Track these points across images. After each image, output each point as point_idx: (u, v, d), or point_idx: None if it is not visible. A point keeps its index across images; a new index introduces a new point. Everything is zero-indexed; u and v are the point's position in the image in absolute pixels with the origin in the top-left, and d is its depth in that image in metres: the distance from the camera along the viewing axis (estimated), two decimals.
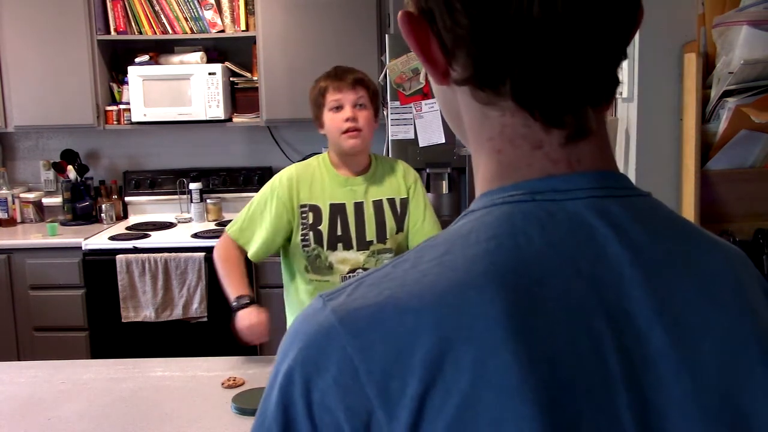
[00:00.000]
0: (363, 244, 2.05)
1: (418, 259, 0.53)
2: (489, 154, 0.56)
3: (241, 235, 2.08)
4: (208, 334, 3.46)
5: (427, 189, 3.01)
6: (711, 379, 0.51)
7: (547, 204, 0.52)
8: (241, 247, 2.09)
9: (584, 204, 0.53)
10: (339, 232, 2.04)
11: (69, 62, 3.72)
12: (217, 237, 3.54)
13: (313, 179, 2.05)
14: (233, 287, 2.02)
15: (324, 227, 2.03)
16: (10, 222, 3.97)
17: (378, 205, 2.07)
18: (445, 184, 3.00)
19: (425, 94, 2.91)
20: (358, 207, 2.05)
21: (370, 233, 2.05)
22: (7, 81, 3.76)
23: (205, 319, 3.46)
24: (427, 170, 2.98)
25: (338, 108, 1.98)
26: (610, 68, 0.53)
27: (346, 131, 1.97)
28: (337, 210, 2.04)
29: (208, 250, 3.45)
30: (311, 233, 2.03)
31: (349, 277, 2.04)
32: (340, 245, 2.04)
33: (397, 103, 2.92)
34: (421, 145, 2.94)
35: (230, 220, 3.88)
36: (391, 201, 2.09)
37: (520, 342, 0.47)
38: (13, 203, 4.01)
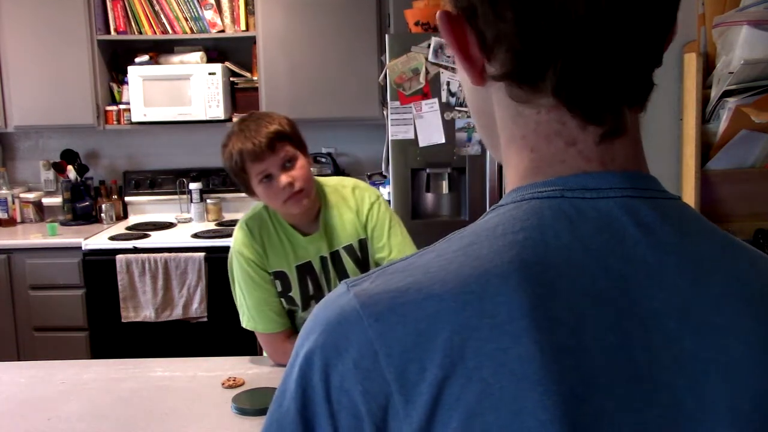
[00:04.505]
0: None
1: (443, 250, 0.53)
2: (521, 151, 0.56)
3: (267, 323, 1.91)
4: (208, 334, 3.46)
5: (427, 189, 3.01)
6: (741, 381, 0.50)
7: (578, 201, 0.52)
8: (283, 331, 1.93)
9: (615, 203, 0.52)
10: (311, 291, 1.92)
11: (69, 62, 3.72)
12: (217, 237, 3.58)
13: (276, 245, 1.89)
14: None
15: (295, 293, 1.91)
16: (10, 222, 3.97)
17: (336, 256, 1.91)
18: (445, 184, 3.00)
19: (425, 94, 2.91)
20: (323, 261, 1.91)
21: (335, 287, 1.91)
22: (7, 81, 3.76)
23: (205, 319, 3.46)
24: (427, 170, 2.98)
25: (268, 177, 1.76)
26: (647, 70, 0.54)
27: (288, 198, 1.78)
28: (305, 270, 1.90)
29: (208, 250, 3.46)
30: (283, 300, 1.92)
31: None
32: (313, 302, 1.93)
33: (397, 103, 2.92)
34: (421, 145, 2.94)
35: (230, 220, 3.92)
36: (349, 248, 1.91)
37: (543, 332, 0.47)
38: (13, 203, 4.01)
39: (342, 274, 1.92)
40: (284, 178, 1.75)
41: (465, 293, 0.48)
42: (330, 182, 1.98)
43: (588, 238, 0.51)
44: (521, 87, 0.53)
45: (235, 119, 3.79)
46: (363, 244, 1.93)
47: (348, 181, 1.99)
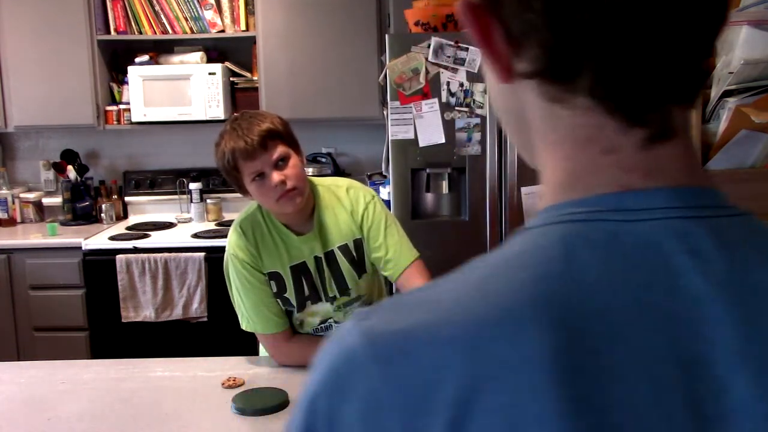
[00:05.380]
0: (329, 298, 1.92)
1: (460, 281, 0.47)
2: (555, 159, 0.50)
3: (266, 324, 1.90)
4: (208, 334, 3.46)
5: (427, 189, 3.01)
6: None
7: (613, 225, 0.45)
8: (283, 331, 1.92)
9: (658, 226, 0.45)
10: (306, 292, 1.90)
11: (69, 62, 3.72)
12: (217, 237, 3.57)
13: (270, 246, 1.88)
14: None
15: (290, 294, 1.90)
16: (10, 222, 3.97)
17: (330, 256, 1.90)
18: (445, 184, 3.00)
19: (425, 94, 2.91)
20: (318, 261, 1.89)
21: (331, 289, 1.91)
22: (7, 81, 3.76)
23: (205, 319, 3.46)
24: (427, 170, 2.98)
25: (261, 175, 1.75)
26: (698, 61, 0.47)
27: (280, 197, 1.77)
28: (299, 271, 1.89)
29: (208, 250, 3.46)
30: (279, 301, 1.91)
31: (321, 328, 1.97)
32: (308, 302, 1.92)
33: (397, 103, 2.92)
34: (421, 145, 2.94)
35: (230, 220, 3.90)
36: (343, 248, 1.90)
37: (565, 387, 0.41)
38: (13, 203, 4.01)
39: (337, 274, 1.91)
40: (276, 177, 1.74)
41: (476, 338, 0.42)
42: (324, 182, 1.97)
43: (624, 271, 0.44)
44: (554, 84, 0.47)
45: None
46: (358, 243, 1.92)
47: (342, 181, 1.98)
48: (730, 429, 0.42)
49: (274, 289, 1.90)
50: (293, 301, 1.91)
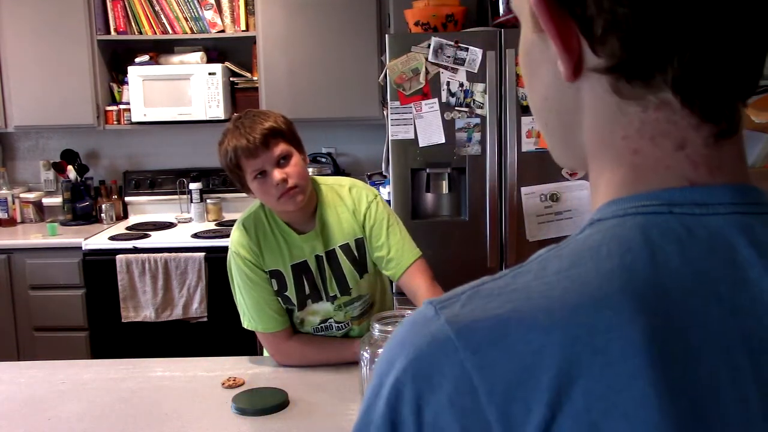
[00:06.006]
0: (329, 297, 1.92)
1: (541, 270, 0.48)
2: (620, 155, 0.50)
3: (267, 322, 1.90)
4: (208, 334, 3.46)
5: (427, 189, 3.01)
6: None
7: (687, 218, 0.47)
8: (282, 330, 1.92)
9: (726, 220, 0.47)
10: (307, 291, 1.90)
11: (69, 62, 3.72)
12: (217, 237, 3.58)
13: (272, 244, 1.88)
14: (334, 351, 1.91)
15: (291, 292, 1.90)
16: (10, 222, 3.97)
17: (332, 255, 1.90)
18: (445, 184, 3.00)
19: (425, 94, 2.91)
20: (319, 260, 1.89)
21: (332, 288, 1.91)
22: (7, 81, 3.76)
23: (205, 319, 3.46)
24: (427, 170, 2.98)
25: (262, 173, 1.76)
26: (763, 58, 0.48)
27: (282, 195, 1.77)
28: (300, 270, 1.89)
29: (208, 250, 3.46)
30: (280, 299, 1.91)
31: (321, 327, 1.97)
32: (309, 301, 1.92)
33: (397, 103, 2.92)
34: (421, 145, 2.94)
35: (230, 220, 3.92)
36: (345, 247, 1.90)
37: (660, 370, 0.42)
38: (13, 203, 4.01)
39: (338, 274, 1.91)
40: (278, 174, 1.75)
41: (574, 325, 0.44)
42: (327, 181, 1.97)
43: (699, 262, 0.46)
44: (631, 81, 0.48)
45: None
46: (360, 243, 1.92)
47: (345, 181, 1.99)
48: None
49: (275, 288, 1.90)
50: (294, 300, 1.91)
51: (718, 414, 0.43)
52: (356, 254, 1.92)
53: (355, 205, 1.91)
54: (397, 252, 1.89)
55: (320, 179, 1.97)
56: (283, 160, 1.77)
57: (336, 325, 1.98)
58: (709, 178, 0.49)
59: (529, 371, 0.43)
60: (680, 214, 0.48)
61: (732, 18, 0.46)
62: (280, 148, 1.76)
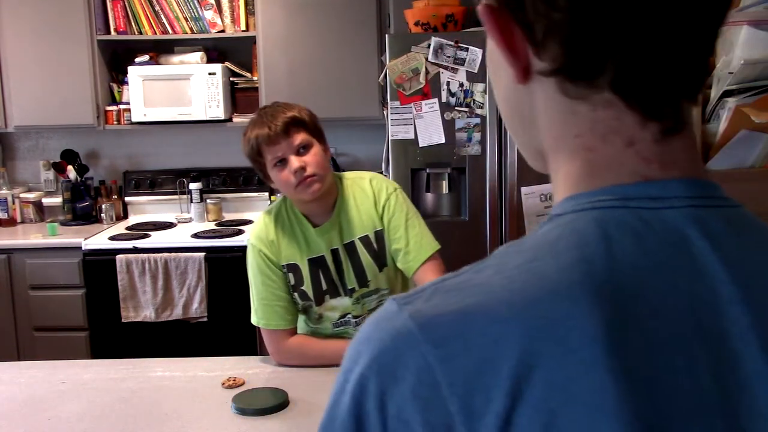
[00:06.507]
0: (347, 291, 1.92)
1: (501, 265, 0.49)
2: (575, 153, 0.52)
3: (270, 318, 1.91)
4: (208, 334, 3.46)
5: (427, 189, 3.01)
6: None
7: (642, 212, 0.49)
8: (285, 329, 1.93)
9: (680, 214, 0.49)
10: (324, 287, 1.91)
11: (69, 62, 3.72)
12: (217, 237, 3.58)
13: (290, 237, 1.90)
14: (334, 351, 1.88)
15: (307, 287, 1.91)
16: (10, 222, 3.97)
17: (351, 247, 1.90)
18: (445, 184, 3.00)
19: (425, 94, 2.91)
20: (335, 254, 1.90)
21: (350, 280, 1.91)
22: (7, 81, 3.76)
23: (205, 319, 3.46)
24: (427, 170, 2.98)
25: (282, 161, 1.80)
26: (705, 57, 0.50)
27: (299, 183, 1.80)
28: (317, 264, 1.90)
29: (208, 250, 3.46)
30: (296, 294, 1.92)
31: (341, 323, 1.97)
32: (327, 296, 1.93)
33: (397, 103, 2.92)
34: (421, 145, 2.94)
35: (230, 220, 3.92)
36: (365, 239, 1.91)
37: (617, 359, 0.44)
38: (13, 203, 4.01)
39: (357, 266, 1.91)
40: (296, 162, 1.79)
41: (533, 317, 0.45)
42: (348, 175, 2.00)
43: (655, 254, 0.48)
44: (575, 82, 0.50)
45: (235, 119, 3.80)
46: (379, 235, 1.92)
47: (366, 174, 2.01)
48: (746, 396, 0.46)
49: (292, 282, 1.91)
50: (310, 295, 1.92)
51: (675, 401, 0.44)
52: (376, 247, 1.92)
53: (375, 195, 1.93)
54: (416, 245, 1.90)
55: (342, 174, 2.00)
56: (302, 149, 1.81)
57: (354, 320, 1.98)
58: (662, 173, 0.50)
59: (490, 362, 0.44)
60: (636, 208, 0.49)
61: (665, 21, 0.47)
62: (301, 137, 1.81)
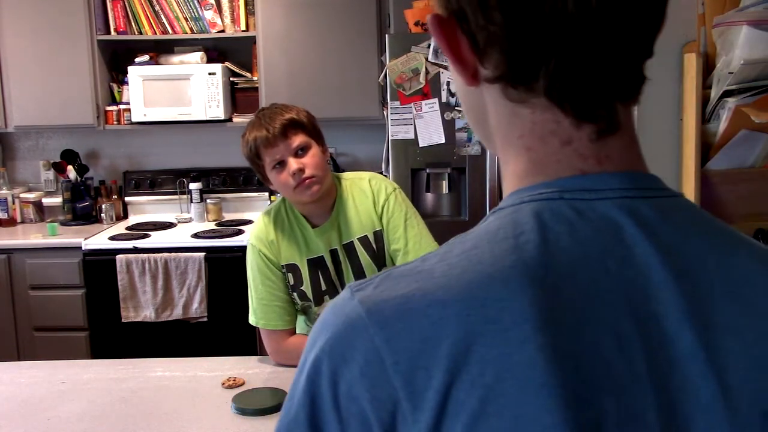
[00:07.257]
0: None
1: (446, 254, 0.53)
2: (518, 152, 0.56)
3: (268, 319, 1.91)
4: (208, 334, 3.46)
5: (427, 189, 3.01)
6: (739, 380, 0.50)
7: (577, 203, 0.53)
8: (284, 330, 1.92)
9: (614, 204, 0.53)
10: (323, 287, 1.91)
11: (69, 62, 3.72)
12: (217, 237, 3.58)
13: (289, 237, 1.90)
14: None
15: (306, 287, 1.91)
16: (10, 222, 3.97)
17: (350, 248, 1.91)
18: (445, 184, 3.00)
19: (425, 94, 2.91)
20: (334, 254, 1.91)
21: (349, 281, 1.88)
22: (7, 81, 3.76)
23: (205, 319, 3.46)
24: (427, 170, 2.98)
25: (281, 163, 1.80)
26: (638, 64, 0.54)
27: (298, 185, 1.80)
28: (316, 265, 1.90)
29: (208, 250, 3.46)
30: (295, 294, 1.92)
31: None
32: (326, 297, 1.92)
33: (397, 103, 2.92)
34: (421, 145, 2.94)
35: (230, 220, 3.92)
36: (364, 239, 1.91)
37: (546, 336, 0.47)
38: (13, 203, 4.02)
39: (357, 268, 1.91)
40: (294, 164, 1.79)
41: (469, 298, 0.49)
42: (347, 176, 2.00)
43: (588, 241, 0.51)
44: (515, 88, 0.54)
45: (235, 119, 3.80)
46: (378, 236, 1.92)
47: (365, 174, 2.01)
48: (678, 373, 0.50)
49: (291, 282, 1.91)
50: (309, 295, 1.92)
51: (603, 375, 0.48)
52: (375, 247, 1.92)
53: (374, 196, 1.93)
54: (415, 245, 1.89)
55: (341, 174, 2.00)
56: (301, 151, 1.81)
57: None
58: (598, 167, 0.54)
59: (430, 341, 0.48)
60: (571, 199, 0.53)
61: (593, 32, 0.50)
62: (299, 139, 1.81)
